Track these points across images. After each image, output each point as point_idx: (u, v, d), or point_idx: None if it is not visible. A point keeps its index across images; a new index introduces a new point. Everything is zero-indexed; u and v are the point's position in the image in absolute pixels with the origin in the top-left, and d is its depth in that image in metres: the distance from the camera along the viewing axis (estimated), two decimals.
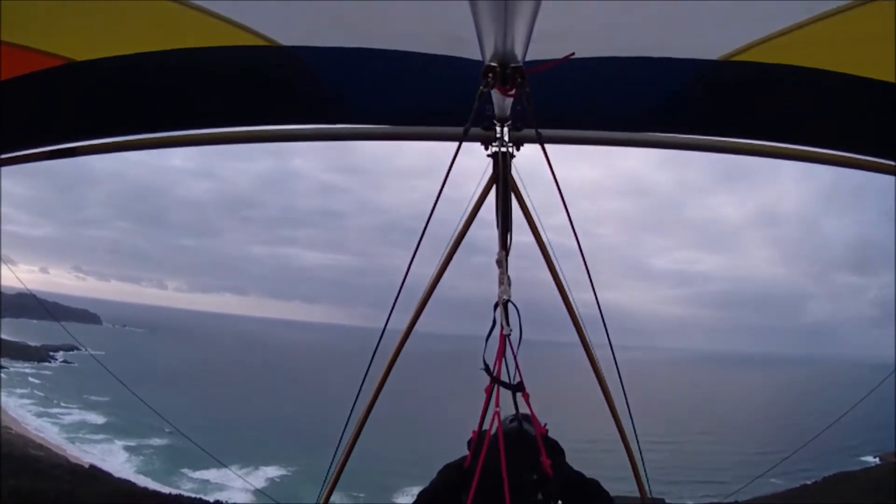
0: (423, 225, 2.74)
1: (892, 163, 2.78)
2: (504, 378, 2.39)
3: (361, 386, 3.30)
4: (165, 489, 46.77)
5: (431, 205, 2.66)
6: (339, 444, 3.41)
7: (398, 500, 45.13)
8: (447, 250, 3.13)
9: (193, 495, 46.07)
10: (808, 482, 48.72)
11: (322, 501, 3.56)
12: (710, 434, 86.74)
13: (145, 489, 44.48)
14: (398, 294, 2.89)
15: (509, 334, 2.39)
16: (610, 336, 3.21)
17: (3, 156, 2.91)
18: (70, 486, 31.93)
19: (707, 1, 1.87)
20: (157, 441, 65.26)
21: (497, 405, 2.34)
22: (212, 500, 44.36)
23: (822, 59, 2.08)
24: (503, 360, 2.37)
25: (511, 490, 2.17)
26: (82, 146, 3.02)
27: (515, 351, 2.42)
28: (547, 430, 2.54)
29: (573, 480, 2.58)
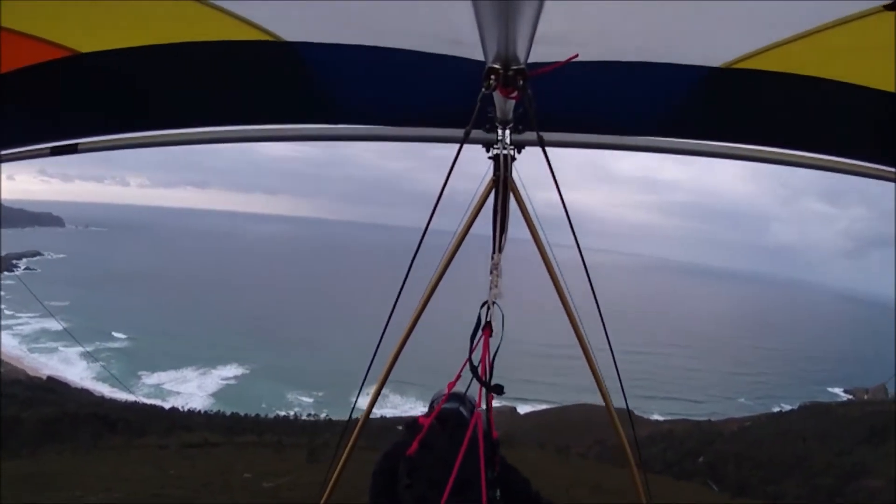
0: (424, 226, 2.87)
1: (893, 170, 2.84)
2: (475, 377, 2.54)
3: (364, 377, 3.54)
4: (122, 396, 45.05)
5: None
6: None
7: None
8: (447, 252, 3.19)
9: (149, 401, 44.65)
10: (780, 409, 49.47)
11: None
12: (686, 347, 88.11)
13: (101, 397, 42.84)
14: (398, 296, 3.00)
15: (492, 336, 2.56)
16: (612, 345, 3.26)
17: (4, 152, 2.92)
18: (18, 410, 28.29)
19: (713, 2, 1.86)
20: (113, 345, 63.64)
21: (479, 405, 2.47)
22: (168, 406, 43.01)
23: (826, 67, 2.12)
24: (485, 359, 2.50)
25: (470, 486, 2.29)
26: (84, 143, 2.97)
27: (493, 354, 2.55)
28: (497, 435, 2.72)
29: (511, 476, 2.74)
